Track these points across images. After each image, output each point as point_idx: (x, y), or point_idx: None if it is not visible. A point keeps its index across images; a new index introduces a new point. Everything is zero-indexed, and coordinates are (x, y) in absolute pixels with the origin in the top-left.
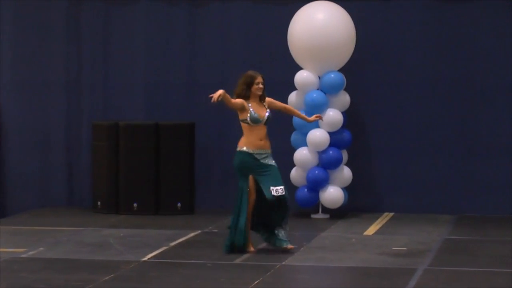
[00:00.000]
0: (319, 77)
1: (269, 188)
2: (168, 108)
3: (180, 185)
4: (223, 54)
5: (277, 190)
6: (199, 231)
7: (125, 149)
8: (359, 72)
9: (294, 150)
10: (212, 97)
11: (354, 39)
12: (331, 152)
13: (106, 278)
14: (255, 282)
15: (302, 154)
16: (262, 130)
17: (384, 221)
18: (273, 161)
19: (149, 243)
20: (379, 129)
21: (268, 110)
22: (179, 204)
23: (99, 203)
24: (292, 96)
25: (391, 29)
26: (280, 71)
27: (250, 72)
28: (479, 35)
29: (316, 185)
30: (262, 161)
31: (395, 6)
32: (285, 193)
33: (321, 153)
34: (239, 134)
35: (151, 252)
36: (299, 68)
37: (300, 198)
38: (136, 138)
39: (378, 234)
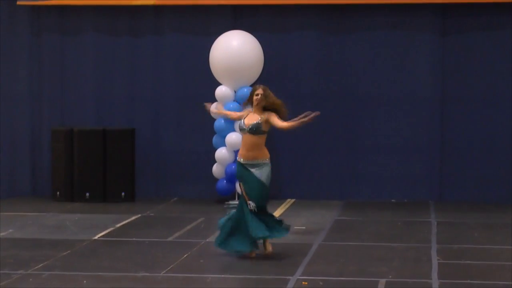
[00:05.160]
0: (235, 91)
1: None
2: (114, 117)
3: (124, 178)
4: (157, 74)
5: (249, 204)
6: (139, 215)
7: (79, 150)
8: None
9: (215, 149)
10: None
11: (262, 60)
12: None
13: (64, 253)
14: (185, 256)
15: (221, 153)
16: (248, 139)
17: (287, 206)
18: (261, 172)
19: (98, 225)
20: (280, 132)
21: (258, 120)
22: (123, 194)
23: (58, 193)
24: (213, 107)
25: (291, 53)
26: (203, 86)
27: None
28: (358, 59)
29: (233, 177)
30: (252, 170)
31: (295, 36)
32: (255, 206)
33: (237, 152)
34: (172, 137)
35: (100, 232)
36: (218, 83)
37: (220, 188)
38: (88, 140)
39: (282, 216)
